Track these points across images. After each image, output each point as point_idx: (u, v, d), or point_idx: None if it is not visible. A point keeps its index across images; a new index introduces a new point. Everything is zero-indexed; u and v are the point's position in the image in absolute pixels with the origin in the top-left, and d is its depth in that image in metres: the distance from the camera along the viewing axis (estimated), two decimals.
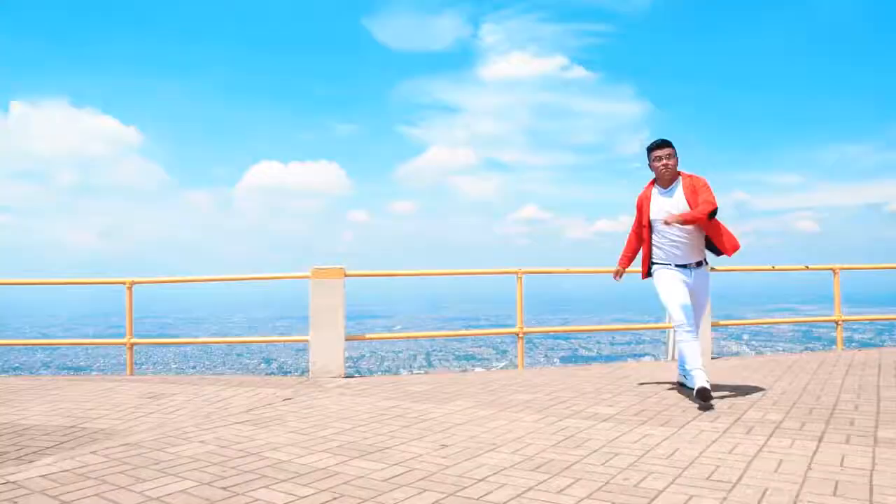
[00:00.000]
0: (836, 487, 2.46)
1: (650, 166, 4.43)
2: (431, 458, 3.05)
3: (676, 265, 4.39)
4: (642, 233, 4.53)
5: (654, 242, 4.47)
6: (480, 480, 2.66)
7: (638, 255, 4.72)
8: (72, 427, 3.85)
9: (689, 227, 4.28)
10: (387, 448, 3.26)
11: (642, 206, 4.47)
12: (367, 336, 6.68)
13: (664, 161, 4.35)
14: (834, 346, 7.38)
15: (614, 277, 4.87)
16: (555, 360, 24.37)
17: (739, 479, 2.60)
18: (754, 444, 3.16)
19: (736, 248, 4.34)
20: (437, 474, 2.78)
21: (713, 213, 4.20)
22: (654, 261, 4.48)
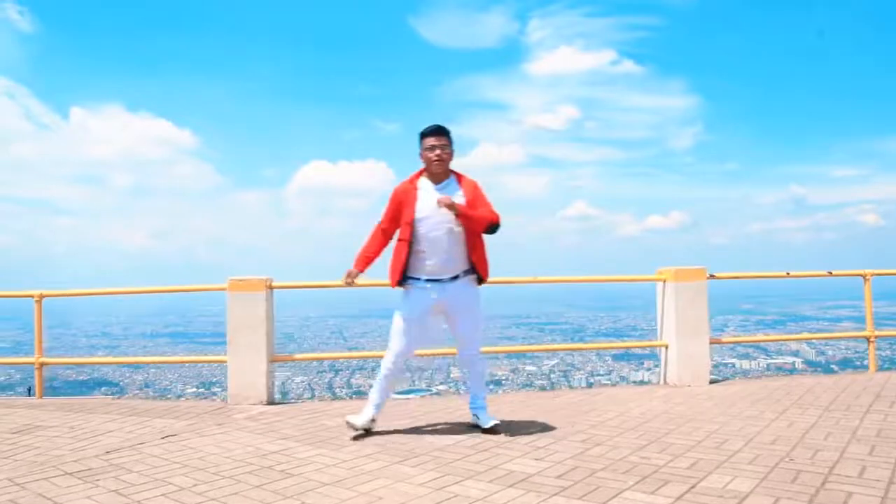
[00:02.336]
0: None
1: (420, 155, 3.80)
2: None
3: (427, 280, 3.74)
4: (403, 232, 3.75)
5: (416, 244, 3.72)
6: None
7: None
8: None
9: (459, 230, 3.69)
10: None
11: (403, 200, 3.75)
12: (296, 356, 5.92)
13: (438, 152, 3.71)
14: None
15: (345, 280, 3.91)
16: (606, 357, 23.17)
17: None
18: None
19: (486, 277, 3.82)
20: None
21: (496, 227, 3.74)
22: (407, 274, 3.76)
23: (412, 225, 3.68)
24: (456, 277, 3.72)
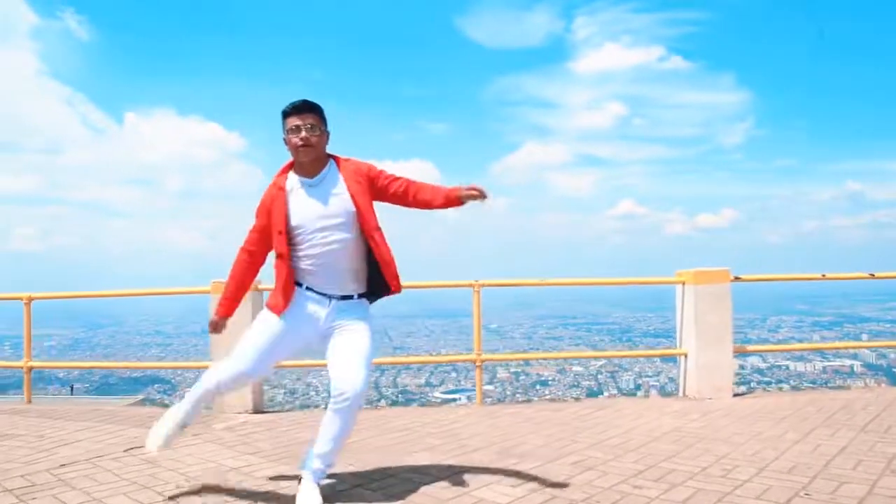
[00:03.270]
0: None
1: (284, 140, 2.81)
2: None
3: (307, 288, 2.83)
4: (278, 244, 2.78)
5: (297, 260, 2.80)
6: None
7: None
8: None
9: (352, 242, 2.77)
10: None
11: (270, 209, 2.79)
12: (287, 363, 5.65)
13: (304, 135, 2.72)
14: None
15: (212, 331, 3.08)
16: (655, 359, 22.39)
17: None
18: None
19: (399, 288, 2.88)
20: None
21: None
22: (299, 282, 2.82)
23: (287, 234, 2.76)
24: (345, 297, 2.83)
